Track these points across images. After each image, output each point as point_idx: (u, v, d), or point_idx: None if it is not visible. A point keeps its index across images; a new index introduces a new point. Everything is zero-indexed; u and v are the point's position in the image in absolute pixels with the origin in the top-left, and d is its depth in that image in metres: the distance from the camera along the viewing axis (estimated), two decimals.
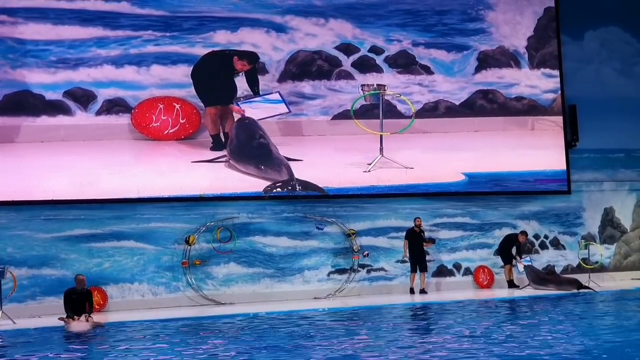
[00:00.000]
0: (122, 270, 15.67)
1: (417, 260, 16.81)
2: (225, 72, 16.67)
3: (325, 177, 16.73)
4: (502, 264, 17.60)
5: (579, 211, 18.91)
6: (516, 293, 16.57)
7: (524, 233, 17.55)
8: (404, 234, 16.98)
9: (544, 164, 18.28)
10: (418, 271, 16.84)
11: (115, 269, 15.63)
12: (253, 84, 16.75)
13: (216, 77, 16.65)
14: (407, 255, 16.79)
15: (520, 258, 17.29)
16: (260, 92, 16.75)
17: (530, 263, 17.26)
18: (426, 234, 17.11)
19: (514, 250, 17.39)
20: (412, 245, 16.83)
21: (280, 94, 16.76)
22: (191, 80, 16.41)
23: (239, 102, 16.51)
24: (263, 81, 16.93)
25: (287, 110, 16.77)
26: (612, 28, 19.72)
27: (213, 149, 16.42)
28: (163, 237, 15.95)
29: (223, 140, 16.52)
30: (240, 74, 16.72)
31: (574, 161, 18.73)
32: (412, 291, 16.72)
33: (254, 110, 16.53)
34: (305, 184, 16.54)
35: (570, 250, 18.61)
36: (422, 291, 16.73)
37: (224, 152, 16.43)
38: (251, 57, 16.76)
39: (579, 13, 19.15)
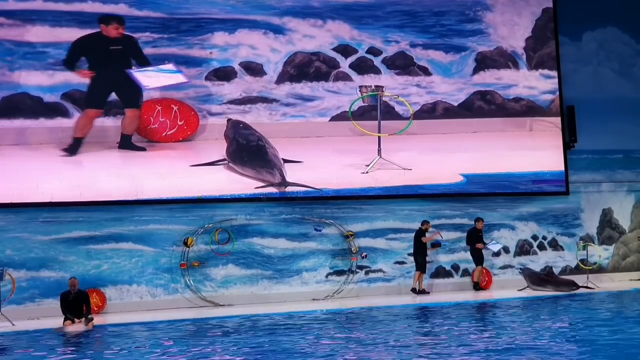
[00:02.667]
0: (121, 272, 15.68)
1: (421, 261, 16.81)
2: (105, 54, 15.90)
3: (323, 178, 16.73)
4: (499, 264, 17.58)
5: (577, 212, 18.91)
6: (515, 294, 16.55)
7: (480, 219, 17.28)
8: (402, 235, 16.98)
9: (542, 165, 18.28)
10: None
11: (113, 271, 15.63)
12: (139, 55, 16.02)
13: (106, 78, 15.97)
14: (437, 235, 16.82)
15: (487, 243, 17.13)
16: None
17: (500, 245, 17.16)
18: (440, 234, 17.11)
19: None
20: (418, 245, 16.85)
21: (174, 65, 16.12)
22: (188, 82, 16.32)
23: (131, 70, 15.84)
24: (261, 83, 16.94)
25: (185, 80, 16.10)
26: (611, 29, 19.71)
27: (70, 152, 15.66)
28: (161, 239, 15.95)
29: (119, 141, 15.93)
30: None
31: (572, 162, 18.73)
32: (414, 291, 16.73)
33: (148, 79, 15.91)
34: (298, 186, 16.53)
35: (569, 251, 18.61)
36: (422, 291, 16.73)
37: (224, 155, 16.45)
38: (120, 19, 15.95)
39: (577, 14, 19.16)
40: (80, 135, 15.75)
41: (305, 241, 16.81)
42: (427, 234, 16.93)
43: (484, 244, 17.22)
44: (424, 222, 16.99)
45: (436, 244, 17.03)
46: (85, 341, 11.83)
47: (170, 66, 16.09)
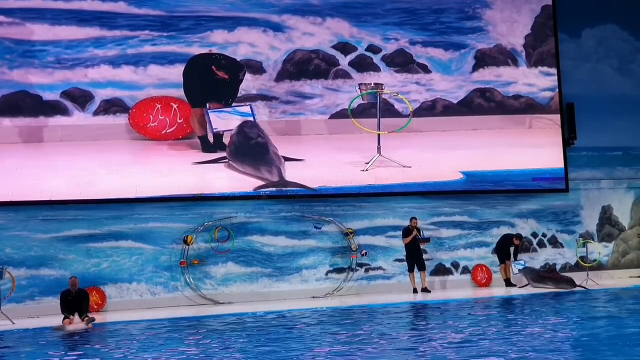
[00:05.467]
0: (121, 270, 15.69)
1: (415, 260, 16.77)
2: (210, 78, 16.63)
3: (323, 176, 16.75)
4: (499, 262, 17.58)
5: (577, 209, 18.91)
6: (513, 291, 16.59)
7: (519, 236, 17.45)
8: (401, 232, 16.96)
9: (542, 162, 18.30)
10: (416, 270, 16.82)
11: (113, 269, 15.64)
12: (229, 92, 16.70)
13: (203, 78, 16.59)
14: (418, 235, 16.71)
15: (515, 260, 17.25)
16: (234, 104, 16.75)
17: (523, 266, 17.21)
18: (423, 233, 17.03)
19: (512, 250, 17.36)
20: (409, 245, 16.79)
21: (251, 108, 16.65)
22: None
23: (208, 111, 16.42)
24: (261, 80, 16.95)
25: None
26: (610, 26, 19.72)
27: (204, 150, 16.42)
28: (161, 237, 15.97)
29: (212, 141, 16.49)
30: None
31: (571, 159, 18.74)
32: (415, 291, 16.68)
33: (219, 120, 16.45)
34: (295, 186, 16.54)
35: (568, 248, 18.61)
36: (425, 290, 16.67)
37: (224, 153, 16.47)
38: (229, 68, 16.65)
39: (576, 11, 19.16)
40: (201, 134, 16.36)
41: (305, 239, 16.82)
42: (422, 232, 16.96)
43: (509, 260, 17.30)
44: (412, 219, 16.91)
45: (424, 240, 16.95)
46: (85, 339, 11.82)
47: (247, 109, 16.55)
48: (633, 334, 10.46)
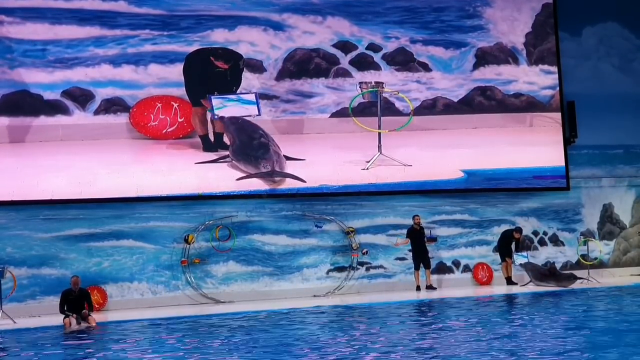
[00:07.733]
0: (122, 269, 15.70)
1: (421, 258, 16.79)
2: (210, 71, 16.55)
3: (323, 175, 16.75)
4: (500, 260, 17.59)
5: (578, 207, 18.91)
6: (515, 290, 16.60)
7: (519, 230, 17.47)
8: (402, 231, 16.96)
9: (543, 161, 18.30)
10: (422, 268, 16.82)
11: (114, 268, 15.65)
12: (232, 82, 16.63)
13: (203, 73, 16.52)
14: (400, 242, 16.75)
15: (517, 253, 17.24)
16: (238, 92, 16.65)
17: (526, 259, 17.22)
18: (428, 232, 17.07)
19: (513, 246, 17.39)
20: (414, 243, 16.81)
21: (256, 96, 16.58)
22: (258, 115, 16.62)
23: (212, 96, 16.28)
24: (261, 79, 16.96)
25: (257, 114, 16.51)
26: (610, 24, 19.72)
27: (205, 149, 16.40)
28: (162, 236, 15.98)
29: (213, 140, 16.48)
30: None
31: (572, 157, 18.74)
32: (418, 288, 16.70)
33: (224, 108, 16.31)
34: (285, 176, 16.47)
35: (569, 246, 18.60)
36: (430, 287, 16.70)
37: (225, 152, 16.45)
38: (227, 57, 16.60)
39: (576, 9, 19.16)
40: (202, 133, 16.33)
41: (306, 238, 16.82)
42: (425, 231, 16.98)
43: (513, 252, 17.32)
44: (414, 217, 16.95)
45: (431, 239, 16.98)
46: (86, 339, 11.83)
47: (252, 97, 16.47)
48: (632, 333, 10.48)
